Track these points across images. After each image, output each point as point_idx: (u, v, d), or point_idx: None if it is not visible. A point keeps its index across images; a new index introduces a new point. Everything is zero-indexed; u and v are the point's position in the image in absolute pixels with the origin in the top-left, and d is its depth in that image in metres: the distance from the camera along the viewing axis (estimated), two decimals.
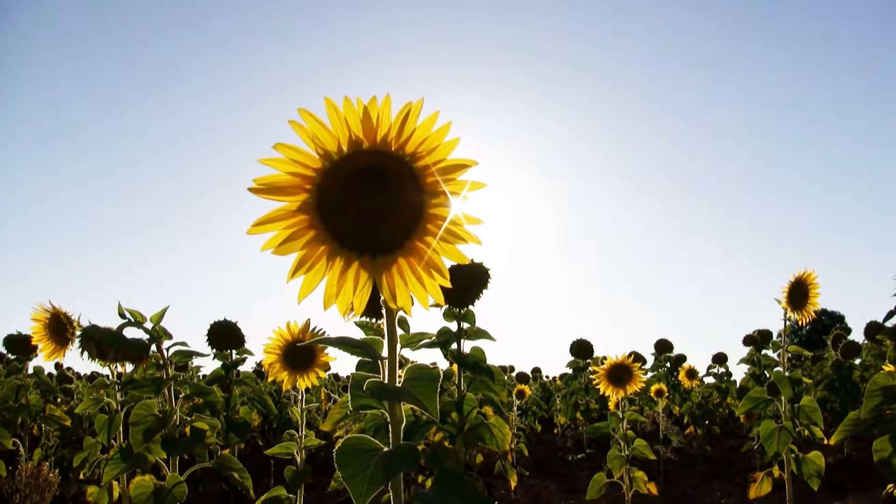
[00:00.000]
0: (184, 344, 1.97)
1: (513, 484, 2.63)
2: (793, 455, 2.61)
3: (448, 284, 0.77)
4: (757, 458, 4.41)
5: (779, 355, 2.78)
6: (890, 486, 2.33)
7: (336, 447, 0.81)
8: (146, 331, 1.82)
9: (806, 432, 2.65)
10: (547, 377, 11.47)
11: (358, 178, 0.74)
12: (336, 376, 9.56)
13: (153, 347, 1.83)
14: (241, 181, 0.72)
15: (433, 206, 0.76)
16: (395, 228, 0.76)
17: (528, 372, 10.76)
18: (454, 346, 2.00)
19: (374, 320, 1.87)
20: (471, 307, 1.96)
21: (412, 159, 0.74)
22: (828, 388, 5.05)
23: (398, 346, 0.87)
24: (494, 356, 2.70)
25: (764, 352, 5.41)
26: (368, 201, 0.75)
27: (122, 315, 1.76)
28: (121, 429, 2.47)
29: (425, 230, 0.77)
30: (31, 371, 3.58)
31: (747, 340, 5.49)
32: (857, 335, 5.77)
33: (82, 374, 8.54)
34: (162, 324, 1.88)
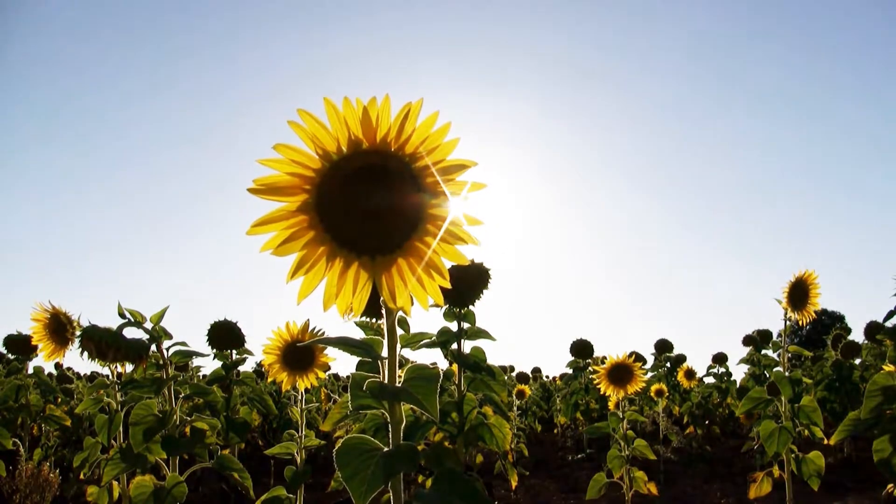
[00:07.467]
0: (184, 344, 1.97)
1: (513, 484, 2.63)
2: (793, 455, 2.61)
3: (448, 285, 0.77)
4: (757, 458, 4.41)
5: (779, 355, 2.78)
6: (890, 486, 2.33)
7: (336, 447, 0.81)
8: (146, 331, 1.82)
9: (806, 432, 2.65)
10: (547, 377, 11.47)
11: (357, 179, 0.73)
12: (336, 376, 9.56)
13: (153, 347, 1.83)
14: (241, 182, 0.72)
15: (433, 207, 0.76)
16: (394, 229, 0.76)
17: (528, 372, 10.75)
18: (454, 346, 1.99)
19: (373, 320, 1.87)
20: (471, 307, 1.96)
21: (412, 159, 0.74)
22: (828, 388, 5.05)
23: (398, 346, 0.87)
24: (494, 356, 2.70)
25: (764, 352, 5.40)
26: (368, 202, 0.74)
27: (122, 315, 1.75)
28: (121, 429, 2.47)
29: (425, 231, 0.77)
30: (31, 371, 3.58)
31: (747, 340, 5.48)
32: (857, 335, 5.75)
33: (82, 374, 8.55)
34: (162, 324, 1.87)
